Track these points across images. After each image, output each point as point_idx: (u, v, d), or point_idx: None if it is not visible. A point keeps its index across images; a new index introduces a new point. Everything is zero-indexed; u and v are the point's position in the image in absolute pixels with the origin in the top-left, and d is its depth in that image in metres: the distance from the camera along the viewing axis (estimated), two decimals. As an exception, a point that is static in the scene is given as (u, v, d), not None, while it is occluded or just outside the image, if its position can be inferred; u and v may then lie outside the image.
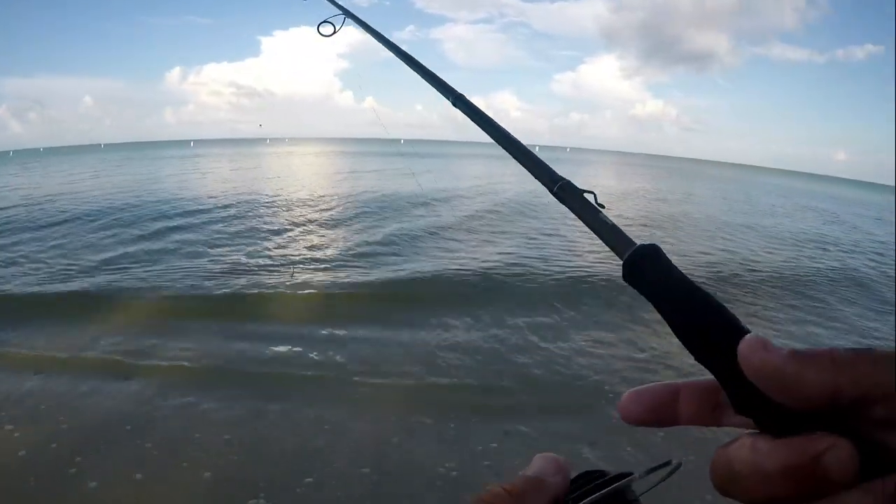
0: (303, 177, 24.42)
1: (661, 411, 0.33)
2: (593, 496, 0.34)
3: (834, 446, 0.24)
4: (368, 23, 1.11)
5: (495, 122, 0.58)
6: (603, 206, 0.43)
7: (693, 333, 0.31)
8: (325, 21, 1.27)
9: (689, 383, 0.34)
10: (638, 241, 0.38)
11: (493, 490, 0.32)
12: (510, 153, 0.54)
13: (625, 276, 0.36)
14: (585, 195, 0.44)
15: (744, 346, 0.27)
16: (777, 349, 0.27)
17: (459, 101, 0.66)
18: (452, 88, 0.69)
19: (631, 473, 0.35)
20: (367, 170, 30.15)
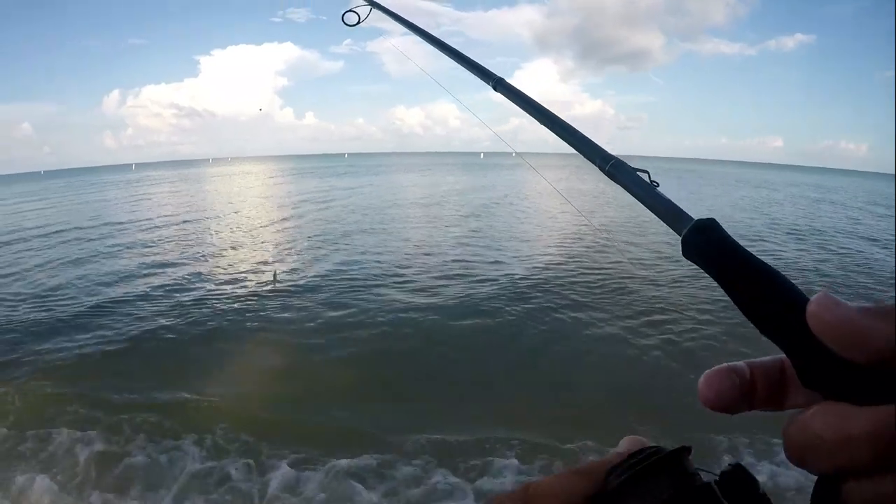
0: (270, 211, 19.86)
1: (740, 396, 0.32)
2: (641, 465, 0.33)
3: None
4: (395, 11, 1.12)
5: (539, 104, 0.59)
6: (657, 184, 0.44)
7: (757, 305, 0.30)
8: (350, 10, 1.28)
9: (757, 364, 0.32)
10: (694, 217, 0.38)
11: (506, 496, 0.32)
12: (557, 134, 0.54)
13: (684, 252, 0.36)
14: (639, 174, 0.45)
15: (814, 303, 0.27)
16: (847, 305, 0.26)
17: (500, 84, 0.67)
18: (492, 73, 0.70)
19: (689, 448, 0.34)
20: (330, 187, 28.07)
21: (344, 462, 3.88)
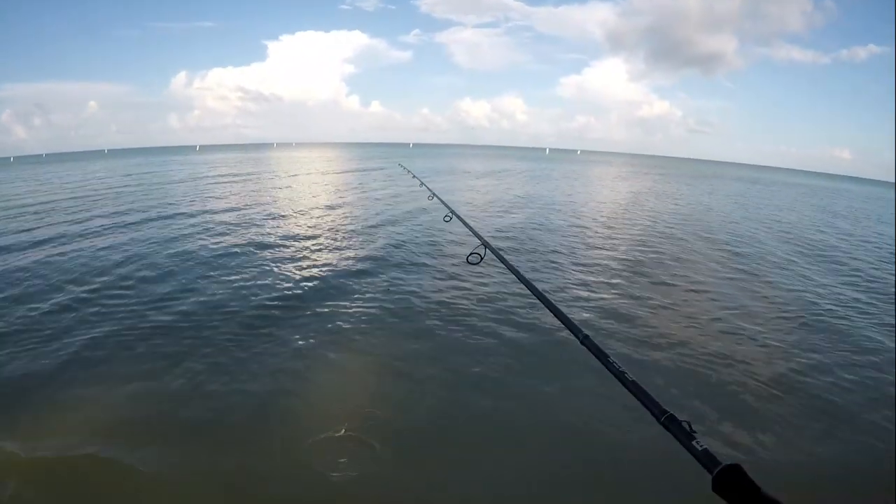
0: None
1: None
2: None
3: None
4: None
5: (612, 360, 0.86)
6: (696, 432, 0.66)
7: None
8: (473, 252, 1.69)
9: None
10: (723, 460, 0.59)
11: None
12: (626, 387, 0.79)
13: (714, 489, 0.57)
14: (682, 423, 0.68)
15: None
16: None
17: (587, 339, 0.96)
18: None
19: None
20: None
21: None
